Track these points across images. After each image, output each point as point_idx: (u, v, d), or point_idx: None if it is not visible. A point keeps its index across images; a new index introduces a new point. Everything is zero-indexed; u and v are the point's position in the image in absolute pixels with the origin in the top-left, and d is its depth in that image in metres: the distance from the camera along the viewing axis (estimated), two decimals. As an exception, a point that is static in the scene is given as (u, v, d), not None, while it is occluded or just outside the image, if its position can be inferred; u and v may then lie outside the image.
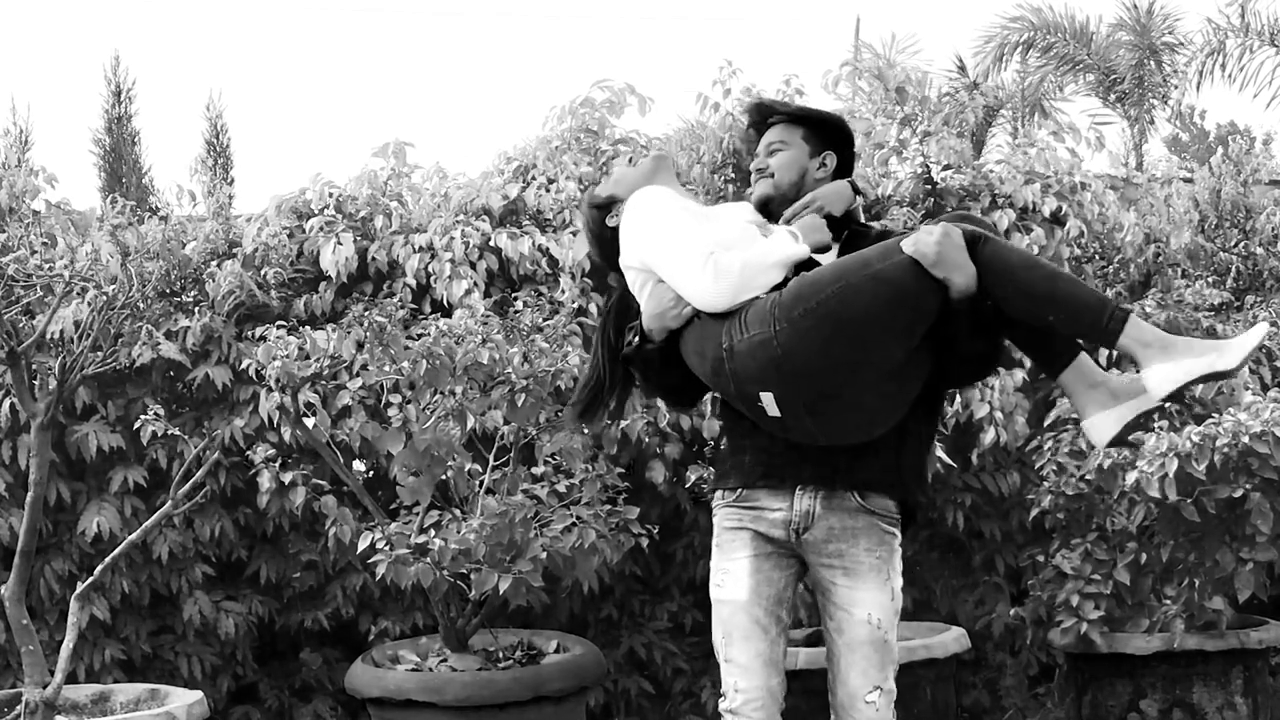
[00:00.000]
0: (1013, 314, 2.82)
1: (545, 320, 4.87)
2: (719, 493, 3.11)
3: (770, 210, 3.15)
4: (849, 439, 2.92)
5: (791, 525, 3.00)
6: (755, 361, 2.84)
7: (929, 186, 5.74)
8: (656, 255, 3.01)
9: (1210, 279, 6.35)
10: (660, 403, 5.43)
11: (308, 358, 4.72)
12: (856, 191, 3.15)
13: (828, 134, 3.21)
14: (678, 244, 2.97)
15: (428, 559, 4.51)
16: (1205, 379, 2.72)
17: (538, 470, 4.88)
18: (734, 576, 3.04)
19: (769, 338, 2.82)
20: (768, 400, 2.87)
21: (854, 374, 2.81)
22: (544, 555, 4.54)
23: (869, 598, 2.96)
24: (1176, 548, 4.87)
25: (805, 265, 2.95)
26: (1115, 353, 3.01)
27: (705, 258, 2.90)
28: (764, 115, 3.27)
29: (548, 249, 5.59)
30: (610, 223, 3.19)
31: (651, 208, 3.09)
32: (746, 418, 3.00)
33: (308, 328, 4.95)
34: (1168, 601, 5.00)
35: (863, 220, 3.26)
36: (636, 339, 3.07)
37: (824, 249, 3.00)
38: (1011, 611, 5.52)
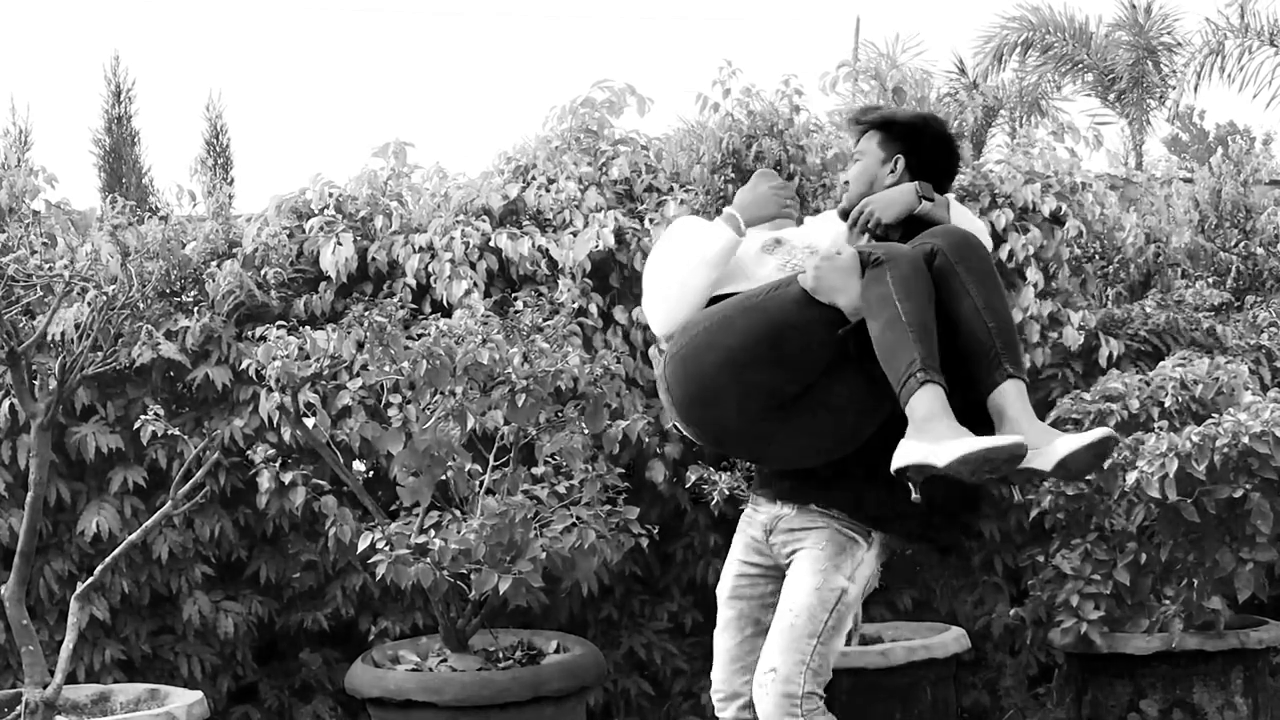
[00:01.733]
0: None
1: (545, 320, 4.87)
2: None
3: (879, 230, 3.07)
4: (791, 465, 2.99)
5: (765, 527, 3.10)
6: (664, 395, 2.96)
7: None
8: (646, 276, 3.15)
9: (1210, 279, 6.36)
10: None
11: (308, 358, 4.72)
12: (924, 197, 3.04)
13: (904, 136, 3.14)
14: (655, 272, 3.08)
15: (428, 559, 4.51)
16: (915, 468, 2.67)
17: (538, 470, 4.88)
18: (725, 572, 3.19)
19: (662, 373, 2.93)
20: (687, 431, 2.99)
21: (738, 407, 2.83)
22: (544, 555, 4.54)
23: (795, 583, 2.98)
24: (1176, 548, 4.87)
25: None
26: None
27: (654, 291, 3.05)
28: (853, 124, 3.24)
29: (547, 249, 5.60)
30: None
31: (671, 232, 3.15)
32: None
33: (308, 328, 4.94)
34: (1167, 601, 5.00)
35: (939, 223, 3.09)
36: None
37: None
38: (1011, 611, 5.52)
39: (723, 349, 2.81)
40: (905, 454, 2.68)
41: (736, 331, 2.80)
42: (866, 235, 3.03)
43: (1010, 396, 2.72)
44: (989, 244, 3.10)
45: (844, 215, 3.13)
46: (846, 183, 3.16)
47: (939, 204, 3.04)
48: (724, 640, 3.13)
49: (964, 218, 3.09)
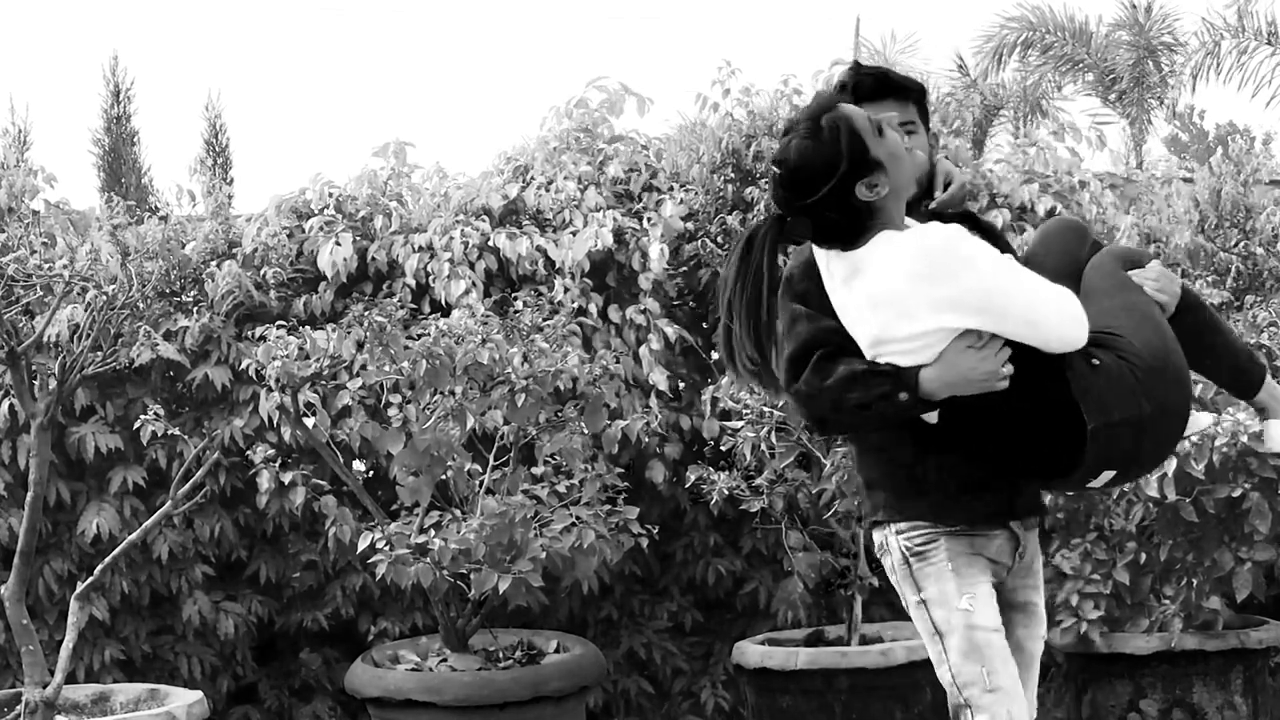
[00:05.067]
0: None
1: (545, 320, 4.87)
2: (925, 523, 2.75)
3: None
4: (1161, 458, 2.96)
5: (1018, 552, 2.78)
6: (1124, 441, 2.55)
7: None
8: (1009, 303, 2.51)
9: (1210, 279, 6.35)
10: (653, 402, 5.45)
11: (307, 358, 4.72)
12: None
13: (926, 110, 2.89)
14: (1029, 288, 2.55)
15: (428, 559, 4.51)
16: None
17: (538, 470, 4.89)
18: (983, 600, 2.71)
19: (1138, 415, 2.53)
20: (1105, 476, 2.66)
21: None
22: (544, 555, 4.54)
23: (1043, 617, 2.88)
24: (1175, 547, 4.87)
25: None
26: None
27: (1061, 300, 2.56)
28: (878, 84, 2.79)
29: (545, 250, 5.59)
30: (865, 195, 2.53)
31: (973, 254, 2.54)
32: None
33: (307, 328, 4.94)
34: (1167, 601, 5.00)
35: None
36: (905, 396, 2.53)
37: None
38: (1011, 611, 5.51)
39: (1170, 347, 2.65)
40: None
41: (1163, 333, 2.65)
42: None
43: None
44: None
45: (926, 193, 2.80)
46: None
47: None
48: (1012, 669, 2.71)
49: None
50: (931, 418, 2.57)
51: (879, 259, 2.50)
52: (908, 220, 2.62)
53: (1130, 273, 2.71)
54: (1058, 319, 2.52)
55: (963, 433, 2.60)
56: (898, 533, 2.74)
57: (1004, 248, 2.73)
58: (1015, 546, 2.76)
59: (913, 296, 2.46)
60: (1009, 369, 2.49)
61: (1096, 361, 2.52)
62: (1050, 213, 5.90)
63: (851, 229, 2.53)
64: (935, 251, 2.47)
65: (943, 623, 2.69)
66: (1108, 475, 2.61)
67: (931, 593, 2.70)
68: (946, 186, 2.84)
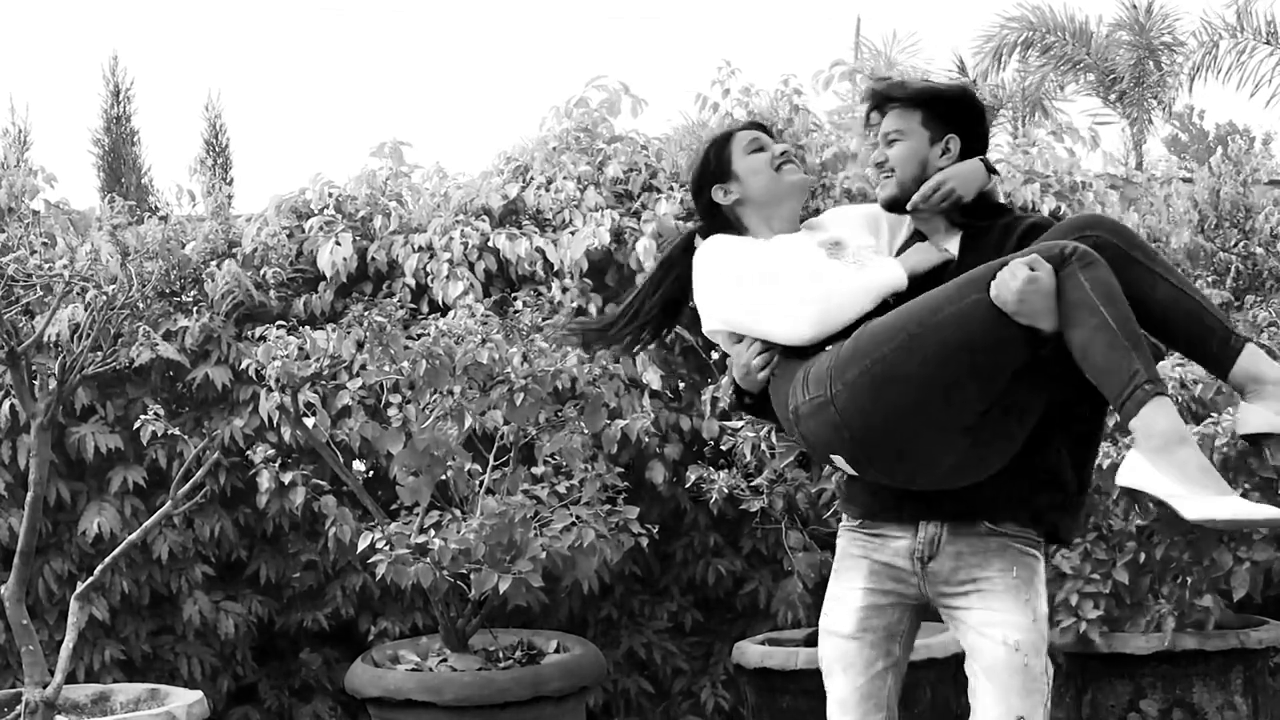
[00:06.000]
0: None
1: (545, 320, 4.88)
2: (844, 518, 2.88)
3: (901, 209, 2.83)
4: (948, 486, 2.65)
5: (915, 553, 2.73)
6: (819, 425, 2.60)
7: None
8: (734, 302, 2.75)
9: (1210, 279, 6.35)
10: (645, 402, 5.44)
11: (307, 358, 4.73)
12: (990, 170, 2.82)
13: (950, 113, 2.85)
14: (756, 285, 2.72)
15: (428, 559, 4.51)
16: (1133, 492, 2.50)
17: (538, 470, 4.89)
18: (841, 605, 2.80)
19: (826, 401, 2.56)
20: (840, 462, 2.67)
21: (923, 435, 2.55)
22: (544, 555, 4.54)
23: (1006, 619, 2.66)
24: (1171, 546, 4.87)
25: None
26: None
27: (788, 290, 2.66)
28: (880, 99, 2.88)
29: (544, 250, 5.59)
30: (720, 199, 2.91)
31: (716, 261, 2.80)
32: None
33: (307, 328, 4.95)
34: (1164, 601, 5.01)
35: (1000, 201, 2.91)
36: (733, 397, 2.88)
37: (940, 266, 2.70)
38: (1011, 611, 5.52)
39: (917, 372, 2.50)
40: (1141, 478, 2.43)
41: (930, 356, 2.49)
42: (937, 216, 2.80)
43: (1262, 357, 2.47)
44: None
45: (892, 205, 2.84)
46: (880, 165, 2.85)
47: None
48: (851, 679, 2.78)
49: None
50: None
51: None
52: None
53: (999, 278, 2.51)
54: (773, 323, 2.68)
55: None
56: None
57: (998, 244, 2.70)
58: (918, 551, 2.72)
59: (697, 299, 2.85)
60: (761, 366, 2.72)
61: (830, 349, 2.62)
62: (1053, 213, 5.89)
63: (710, 228, 2.92)
64: (698, 263, 2.83)
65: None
66: (839, 460, 2.66)
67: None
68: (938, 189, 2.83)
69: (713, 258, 2.81)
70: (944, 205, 2.78)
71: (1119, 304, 2.45)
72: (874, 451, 2.59)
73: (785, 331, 2.67)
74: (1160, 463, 2.39)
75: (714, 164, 2.90)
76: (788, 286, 2.67)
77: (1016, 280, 2.43)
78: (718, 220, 2.90)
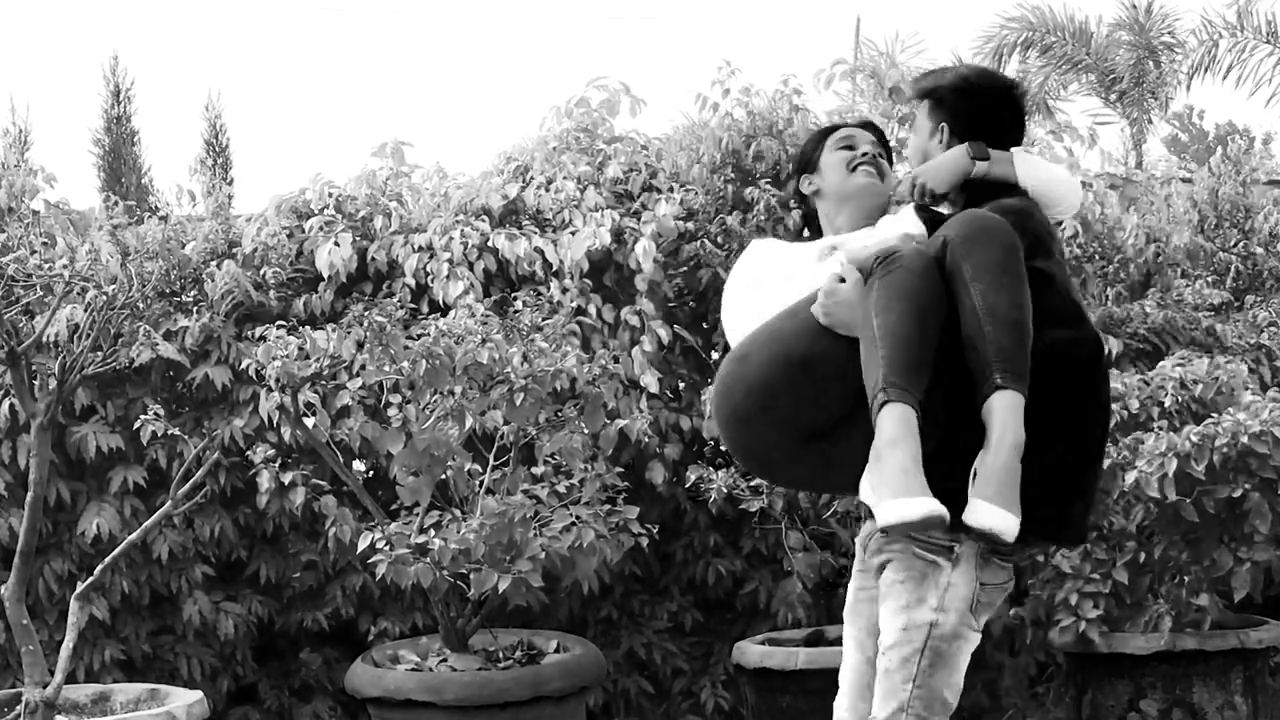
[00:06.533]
0: None
1: (544, 320, 4.88)
2: None
3: (937, 200, 2.82)
4: (831, 492, 2.69)
5: (863, 544, 2.77)
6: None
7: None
8: (730, 304, 2.84)
9: (1210, 279, 6.36)
10: (643, 404, 5.44)
11: (307, 358, 4.73)
12: (978, 157, 2.76)
13: (942, 101, 2.85)
14: (743, 290, 2.79)
15: (428, 559, 4.51)
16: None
17: (538, 470, 4.89)
18: (849, 592, 2.83)
19: (714, 402, 2.69)
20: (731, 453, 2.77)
21: (773, 434, 2.56)
22: (543, 555, 4.54)
23: (885, 622, 2.62)
24: (1169, 546, 4.87)
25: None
26: None
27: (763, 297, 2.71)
28: (911, 96, 3.06)
29: (543, 250, 5.59)
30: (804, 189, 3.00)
31: (740, 265, 2.87)
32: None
33: (307, 328, 4.95)
34: (1162, 601, 5.01)
35: (1007, 181, 2.79)
36: None
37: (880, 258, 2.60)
38: (1011, 611, 5.52)
39: (754, 373, 2.55)
40: (863, 493, 2.49)
41: (763, 358, 2.55)
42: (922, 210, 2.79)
43: (995, 412, 2.40)
44: (1077, 197, 2.86)
45: (919, 198, 2.84)
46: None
47: (999, 160, 2.75)
48: (847, 663, 2.79)
49: (1033, 169, 2.78)
50: None
51: None
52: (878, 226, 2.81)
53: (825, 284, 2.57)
54: (731, 322, 2.77)
55: None
56: None
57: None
58: (865, 543, 2.74)
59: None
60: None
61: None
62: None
63: (802, 216, 3.04)
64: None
65: None
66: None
67: None
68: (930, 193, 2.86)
69: (743, 259, 2.90)
70: (922, 199, 2.80)
71: (893, 311, 2.45)
72: (728, 438, 2.64)
73: (729, 331, 2.78)
74: (872, 469, 2.41)
75: (808, 154, 2.97)
76: (764, 293, 2.73)
77: (821, 294, 2.53)
78: (805, 208, 3.00)
